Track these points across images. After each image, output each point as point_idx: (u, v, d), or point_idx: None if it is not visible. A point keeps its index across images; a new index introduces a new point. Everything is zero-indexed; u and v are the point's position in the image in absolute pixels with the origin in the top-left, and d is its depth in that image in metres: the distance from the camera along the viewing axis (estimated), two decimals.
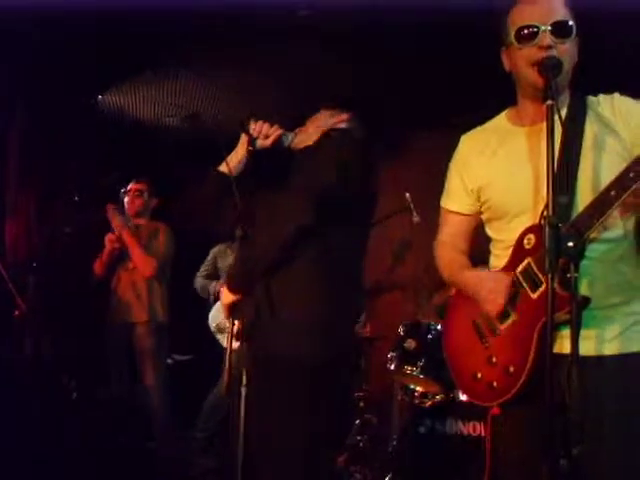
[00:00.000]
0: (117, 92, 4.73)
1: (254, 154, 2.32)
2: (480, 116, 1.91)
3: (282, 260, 2.12)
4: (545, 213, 1.46)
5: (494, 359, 1.72)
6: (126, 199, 4.19)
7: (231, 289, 2.24)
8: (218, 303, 4.40)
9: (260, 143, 2.32)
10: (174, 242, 4.17)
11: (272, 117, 2.38)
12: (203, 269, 4.57)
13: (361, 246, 2.32)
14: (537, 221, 1.61)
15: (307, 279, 2.13)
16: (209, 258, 4.58)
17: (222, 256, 4.52)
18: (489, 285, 1.71)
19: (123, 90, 4.71)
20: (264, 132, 2.32)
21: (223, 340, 4.32)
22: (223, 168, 2.37)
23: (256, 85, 4.43)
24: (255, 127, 2.33)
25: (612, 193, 1.50)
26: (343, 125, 2.36)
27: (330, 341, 2.11)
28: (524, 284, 1.66)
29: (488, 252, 1.87)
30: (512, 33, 1.69)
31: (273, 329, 2.11)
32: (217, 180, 2.36)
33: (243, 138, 2.36)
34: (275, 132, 2.33)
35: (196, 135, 5.20)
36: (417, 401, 3.51)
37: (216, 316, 4.37)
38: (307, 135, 2.37)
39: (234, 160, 2.36)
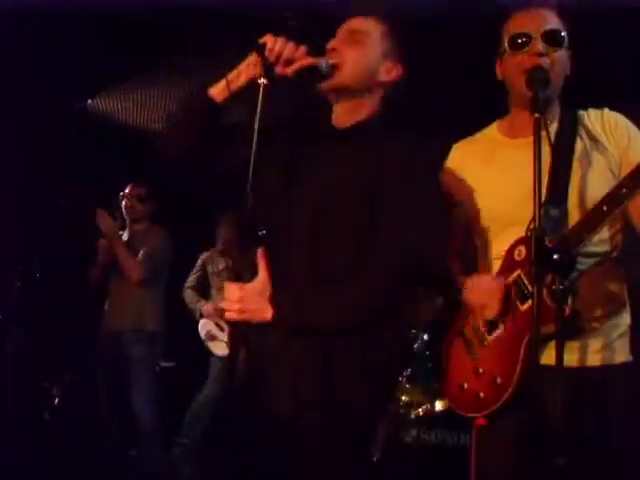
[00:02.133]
0: (106, 97, 4.71)
1: (269, 86, 1.53)
2: (475, 122, 1.92)
3: None
4: (531, 226, 1.48)
5: (481, 370, 1.71)
6: (124, 203, 4.07)
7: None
8: None
9: (279, 70, 1.54)
10: (170, 247, 4.05)
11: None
12: (192, 278, 4.52)
13: None
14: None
15: None
16: (198, 265, 4.54)
17: (211, 262, 4.49)
18: (484, 289, 1.70)
19: (112, 95, 4.70)
20: (286, 54, 1.53)
21: (214, 348, 4.29)
22: (216, 91, 1.65)
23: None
24: (273, 46, 1.53)
25: (604, 208, 1.53)
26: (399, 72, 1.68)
27: None
28: (513, 295, 1.67)
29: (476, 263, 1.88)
30: (505, 41, 1.71)
31: None
32: (203, 104, 1.64)
33: (252, 59, 1.60)
34: (303, 57, 1.54)
35: None
36: (402, 410, 3.52)
37: (206, 324, 4.35)
38: (353, 73, 1.61)
39: (233, 84, 1.62)
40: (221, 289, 3.80)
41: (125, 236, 4.03)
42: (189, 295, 4.48)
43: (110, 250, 3.90)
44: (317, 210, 1.58)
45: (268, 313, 1.52)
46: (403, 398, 3.57)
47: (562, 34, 1.69)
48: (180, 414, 4.20)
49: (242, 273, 1.60)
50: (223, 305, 1.55)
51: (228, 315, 1.55)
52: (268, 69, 1.53)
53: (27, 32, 3.71)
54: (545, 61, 1.65)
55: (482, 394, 1.69)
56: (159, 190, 4.18)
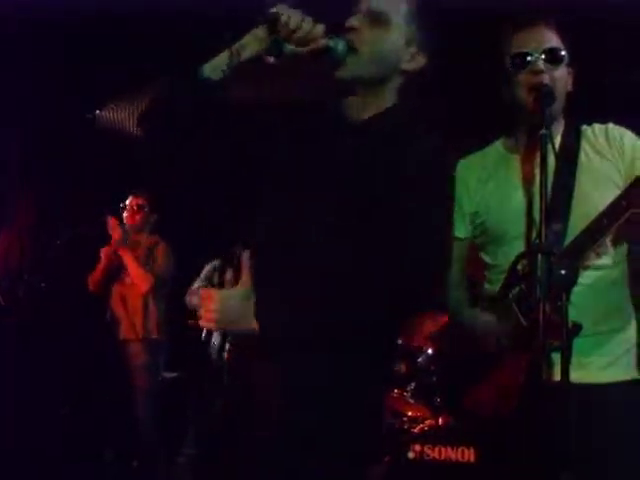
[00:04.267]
0: (115, 108, 4.74)
1: (276, 64, 1.37)
2: (478, 137, 1.93)
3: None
4: (536, 241, 1.47)
5: (489, 382, 1.71)
6: (125, 214, 4.12)
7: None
8: None
9: (291, 48, 1.37)
10: (172, 258, 4.12)
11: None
12: (197, 285, 4.48)
13: None
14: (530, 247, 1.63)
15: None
16: (203, 274, 4.49)
17: (218, 272, 4.43)
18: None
19: (121, 106, 4.73)
20: (301, 32, 1.36)
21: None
22: (211, 68, 1.44)
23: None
24: (287, 20, 1.35)
25: (604, 221, 1.53)
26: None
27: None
28: (516, 310, 1.66)
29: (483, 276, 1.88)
30: (506, 61, 1.73)
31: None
32: (194, 85, 1.43)
33: (261, 32, 1.41)
34: (320, 35, 1.38)
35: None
36: (406, 425, 3.49)
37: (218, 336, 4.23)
38: (376, 58, 1.44)
39: (234, 57, 1.41)
40: None
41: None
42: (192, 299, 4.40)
43: (114, 257, 3.94)
44: (331, 208, 1.42)
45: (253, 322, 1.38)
46: (407, 413, 3.54)
47: (562, 52, 1.71)
48: (183, 425, 4.18)
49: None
50: (199, 313, 1.41)
51: (203, 324, 1.43)
52: (277, 46, 1.36)
53: (38, 43, 3.74)
54: (546, 78, 1.66)
55: (489, 406, 1.68)
56: (163, 200, 4.21)
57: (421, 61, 1.50)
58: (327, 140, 1.49)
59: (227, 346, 4.14)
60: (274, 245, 1.46)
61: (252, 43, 1.42)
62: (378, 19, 1.45)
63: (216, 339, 4.26)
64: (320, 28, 1.39)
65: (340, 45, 1.39)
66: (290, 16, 1.36)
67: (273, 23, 1.36)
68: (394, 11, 1.46)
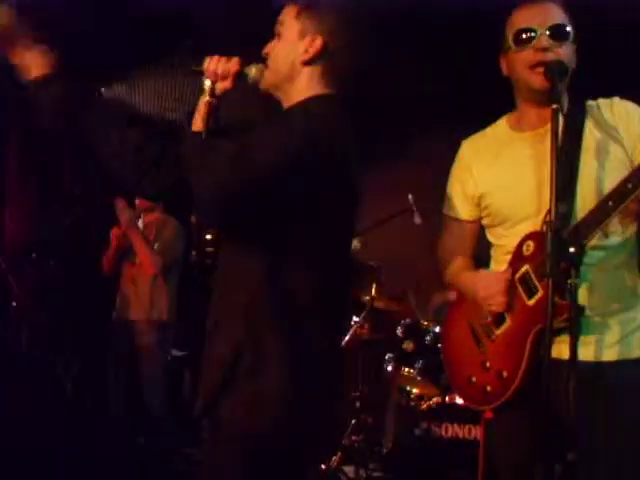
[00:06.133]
0: (119, 85, 4.71)
1: (218, 103, 1.66)
2: (485, 115, 1.90)
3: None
4: (547, 219, 1.45)
5: (488, 364, 1.71)
6: None
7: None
8: None
9: (220, 86, 1.66)
10: (183, 238, 4.07)
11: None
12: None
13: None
14: (538, 228, 1.60)
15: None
16: None
17: None
18: (487, 284, 1.70)
19: (126, 83, 4.70)
20: (221, 70, 1.65)
21: None
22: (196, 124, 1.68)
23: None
24: (209, 66, 1.65)
25: (610, 203, 1.51)
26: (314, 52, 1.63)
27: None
28: (520, 290, 1.65)
29: (489, 256, 1.87)
30: (510, 37, 1.70)
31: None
32: (193, 141, 1.66)
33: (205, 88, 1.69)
34: (233, 67, 1.65)
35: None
36: (413, 403, 3.51)
37: None
38: (274, 68, 1.67)
39: (198, 119, 1.66)
40: None
41: (139, 225, 4.02)
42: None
43: (125, 239, 3.92)
44: None
45: None
46: (414, 391, 3.56)
47: (567, 28, 1.67)
48: (191, 404, 4.19)
49: None
50: None
51: None
52: (212, 88, 1.65)
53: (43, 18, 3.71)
54: (550, 56, 1.62)
55: (489, 387, 1.69)
56: None
57: (317, 46, 1.63)
58: None
59: None
60: None
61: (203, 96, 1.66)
62: (276, 33, 1.68)
63: None
64: (234, 61, 1.65)
65: (253, 69, 1.66)
66: (210, 61, 1.65)
67: (202, 73, 1.66)
68: (284, 18, 1.67)
